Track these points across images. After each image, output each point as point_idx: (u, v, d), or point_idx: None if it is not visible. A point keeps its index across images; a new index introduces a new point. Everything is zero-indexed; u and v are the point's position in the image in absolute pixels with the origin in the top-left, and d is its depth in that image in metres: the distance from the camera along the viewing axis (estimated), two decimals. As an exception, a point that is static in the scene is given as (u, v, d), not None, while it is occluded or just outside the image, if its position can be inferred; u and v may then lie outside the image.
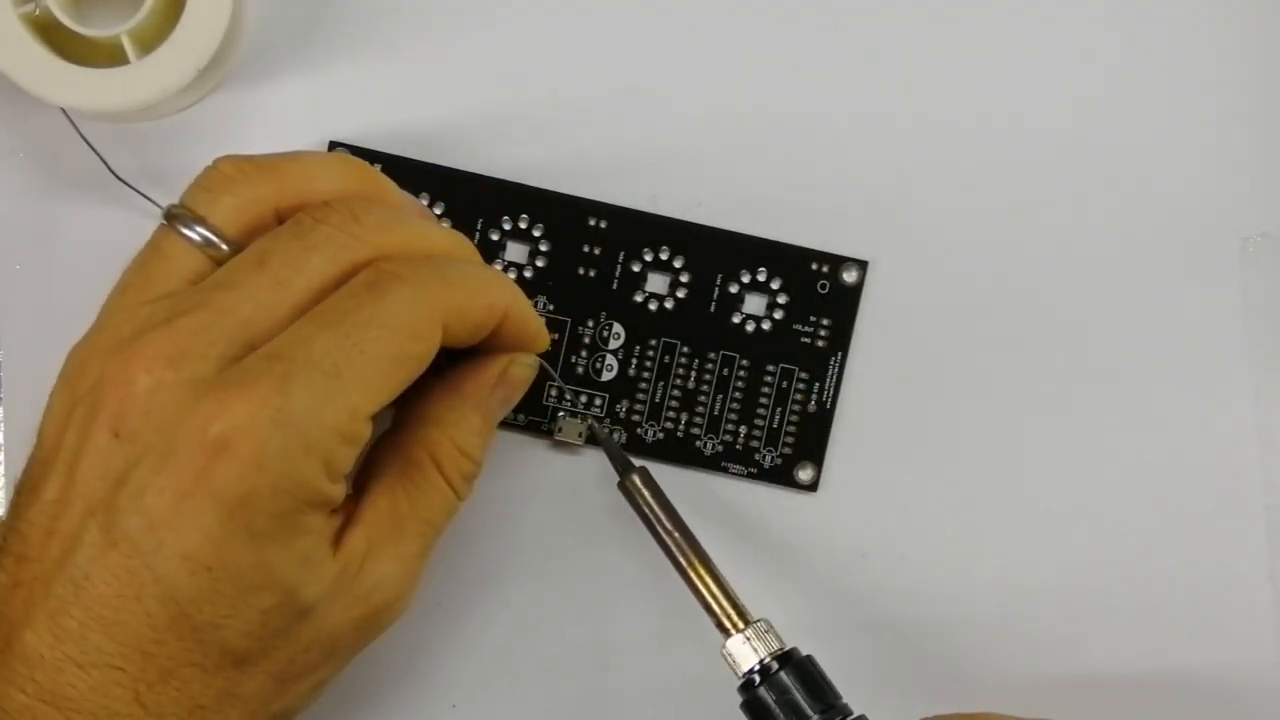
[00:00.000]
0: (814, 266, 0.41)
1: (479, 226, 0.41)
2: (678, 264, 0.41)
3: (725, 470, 0.41)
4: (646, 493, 0.39)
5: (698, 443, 0.41)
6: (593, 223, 0.41)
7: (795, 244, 0.41)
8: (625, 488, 0.39)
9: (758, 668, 0.37)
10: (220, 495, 0.32)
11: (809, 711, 0.36)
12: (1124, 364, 0.42)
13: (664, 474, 0.40)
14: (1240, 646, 0.42)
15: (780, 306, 0.41)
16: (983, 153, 0.42)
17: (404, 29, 0.41)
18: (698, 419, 0.41)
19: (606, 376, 0.41)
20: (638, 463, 0.39)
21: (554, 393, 0.41)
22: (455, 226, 0.40)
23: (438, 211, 0.41)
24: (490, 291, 0.36)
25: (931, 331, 0.42)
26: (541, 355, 0.39)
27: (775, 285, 0.41)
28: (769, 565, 0.41)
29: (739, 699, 0.37)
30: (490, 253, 0.41)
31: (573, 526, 0.41)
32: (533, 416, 0.41)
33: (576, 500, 0.41)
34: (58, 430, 0.34)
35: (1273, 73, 0.42)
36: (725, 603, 0.38)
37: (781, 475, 0.41)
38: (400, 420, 0.37)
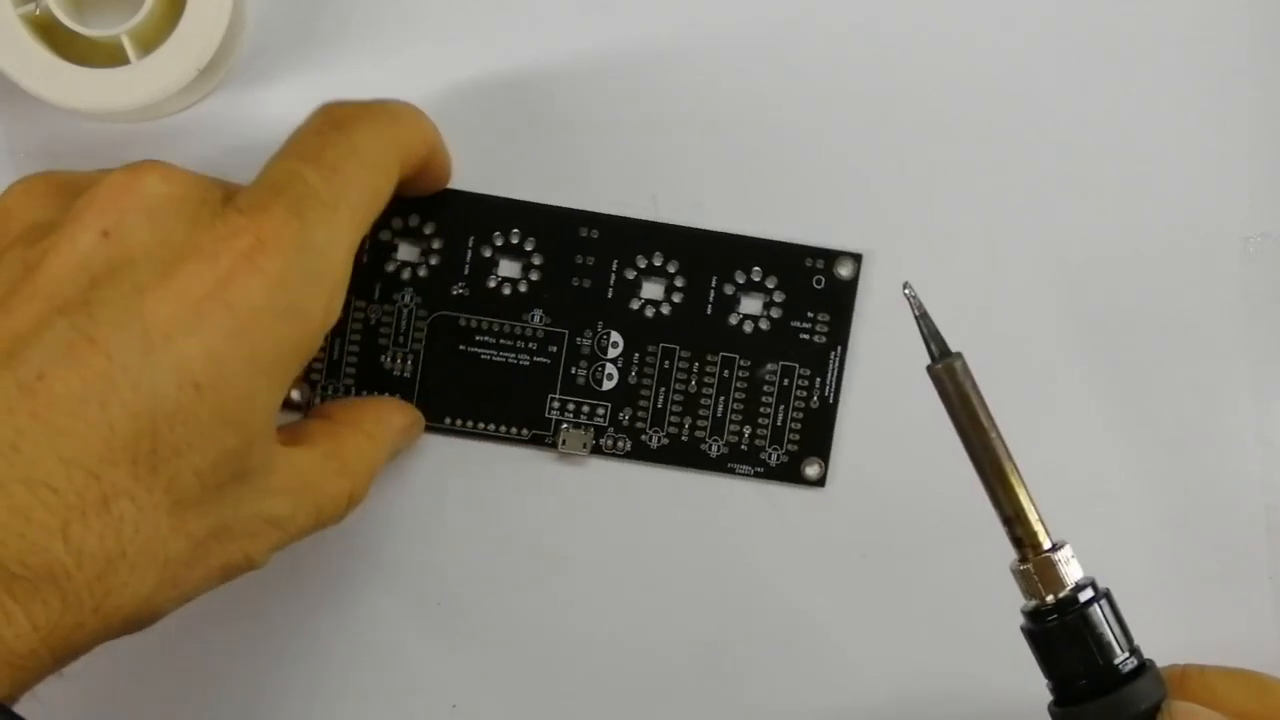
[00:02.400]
0: (808, 262, 0.41)
1: (471, 244, 0.41)
2: (672, 269, 0.41)
3: (732, 471, 0.41)
4: (963, 382, 0.34)
5: (703, 445, 0.41)
6: (584, 233, 0.41)
7: (788, 241, 0.41)
8: (935, 374, 0.34)
9: (1060, 596, 0.33)
10: (236, 309, 0.31)
11: (1111, 652, 0.33)
12: (1124, 363, 0.42)
13: (671, 479, 0.40)
14: (1240, 647, 0.42)
15: (777, 304, 0.41)
16: (983, 153, 0.42)
17: (402, 29, 0.41)
18: (701, 422, 0.41)
19: (607, 386, 0.41)
20: (644, 472, 0.40)
21: (556, 405, 0.41)
22: (447, 245, 0.40)
23: (427, 231, 0.41)
24: (423, 126, 0.37)
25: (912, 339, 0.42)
26: (542, 365, 0.39)
27: (770, 284, 0.41)
28: (781, 563, 0.42)
29: (1023, 625, 0.34)
30: (484, 269, 0.41)
31: (574, 530, 0.41)
32: (536, 430, 0.41)
33: (578, 505, 0.41)
34: None
35: (1272, 73, 0.42)
36: (1034, 518, 0.34)
37: (788, 472, 0.41)
38: (328, 412, 0.38)
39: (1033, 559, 0.34)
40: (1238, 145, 0.42)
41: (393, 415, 0.39)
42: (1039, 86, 0.42)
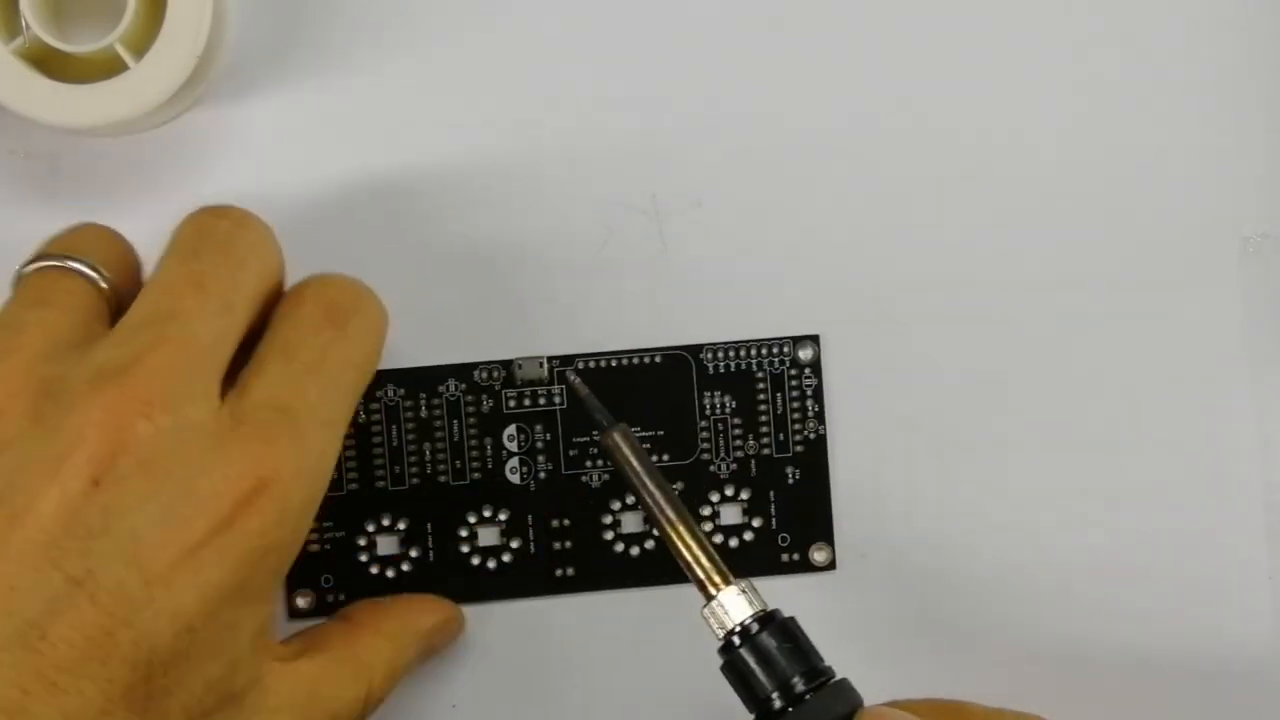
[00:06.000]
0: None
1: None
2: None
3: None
4: (627, 449, 0.38)
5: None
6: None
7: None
8: (605, 445, 0.38)
9: (738, 628, 0.36)
10: (235, 549, 0.31)
11: (790, 673, 0.36)
12: (1123, 364, 0.42)
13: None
14: (1240, 646, 0.42)
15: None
16: (981, 151, 0.42)
17: (387, 47, 0.41)
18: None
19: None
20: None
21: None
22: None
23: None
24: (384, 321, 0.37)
25: (920, 330, 0.42)
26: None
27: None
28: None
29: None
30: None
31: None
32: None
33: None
34: None
35: (1273, 72, 0.41)
36: (706, 563, 0.37)
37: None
38: (350, 614, 0.38)
39: (715, 597, 0.37)
40: (1238, 145, 0.42)
41: (419, 616, 0.39)
42: (1037, 86, 0.42)
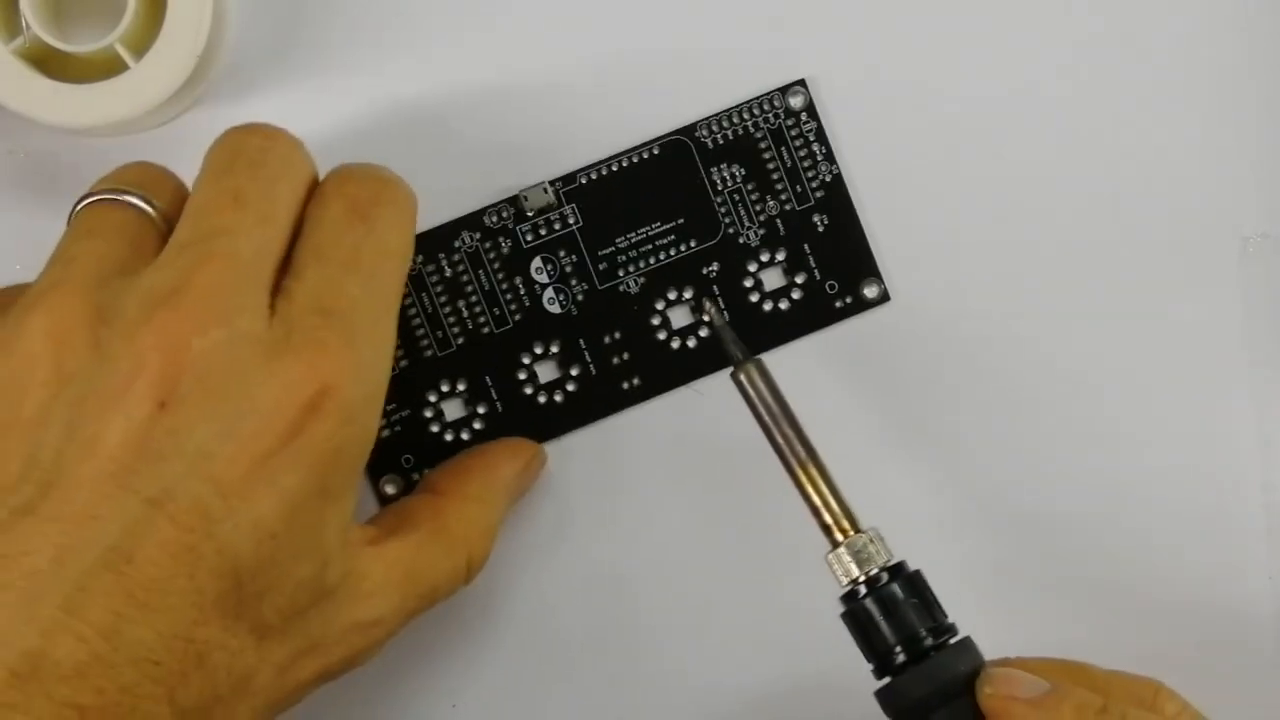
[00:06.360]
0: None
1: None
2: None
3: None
4: (762, 385, 0.37)
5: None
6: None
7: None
8: (738, 379, 0.37)
9: (864, 578, 0.35)
10: (307, 455, 0.32)
11: (916, 627, 0.35)
12: (1123, 364, 0.42)
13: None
14: (1240, 646, 0.42)
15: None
16: (979, 153, 0.42)
17: (387, 47, 0.41)
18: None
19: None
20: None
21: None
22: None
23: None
24: (414, 204, 0.36)
25: (923, 334, 0.42)
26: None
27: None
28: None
29: (837, 612, 0.36)
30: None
31: (574, 523, 0.42)
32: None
33: (578, 497, 0.42)
34: (33, 402, 0.31)
35: (1273, 71, 0.41)
36: (836, 507, 0.36)
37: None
38: (434, 484, 0.38)
39: (842, 544, 0.36)
40: (1238, 145, 0.42)
41: (502, 467, 0.39)
42: (1039, 90, 0.42)
